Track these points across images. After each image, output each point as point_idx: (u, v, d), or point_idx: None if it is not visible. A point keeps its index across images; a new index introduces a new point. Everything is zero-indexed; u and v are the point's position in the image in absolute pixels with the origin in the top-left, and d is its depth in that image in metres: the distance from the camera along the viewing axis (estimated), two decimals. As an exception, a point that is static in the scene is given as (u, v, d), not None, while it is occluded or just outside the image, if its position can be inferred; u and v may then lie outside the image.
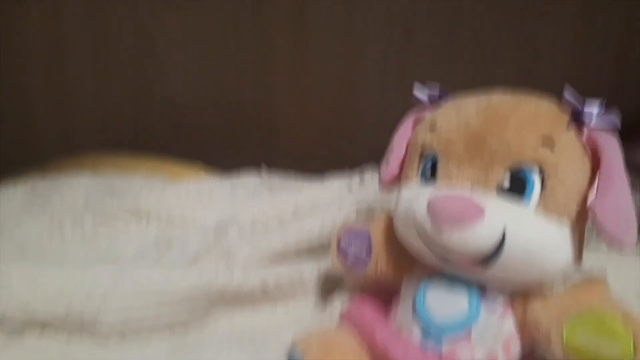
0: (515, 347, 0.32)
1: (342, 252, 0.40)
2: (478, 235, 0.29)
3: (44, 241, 0.50)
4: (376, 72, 0.72)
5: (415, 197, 0.32)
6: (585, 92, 0.32)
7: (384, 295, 0.37)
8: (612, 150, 0.30)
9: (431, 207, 0.30)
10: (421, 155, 0.34)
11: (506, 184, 0.30)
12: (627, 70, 0.70)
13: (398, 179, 0.37)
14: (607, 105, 0.31)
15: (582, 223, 0.31)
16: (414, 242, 0.33)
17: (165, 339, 0.41)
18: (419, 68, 0.67)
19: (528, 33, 0.69)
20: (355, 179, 0.57)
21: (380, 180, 0.39)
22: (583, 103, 0.30)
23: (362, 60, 0.73)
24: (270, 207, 0.52)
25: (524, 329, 0.31)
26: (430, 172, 0.33)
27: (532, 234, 0.29)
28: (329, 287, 0.45)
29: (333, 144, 0.76)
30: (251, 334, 0.42)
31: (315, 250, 0.48)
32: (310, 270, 0.45)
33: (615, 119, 0.30)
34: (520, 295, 0.31)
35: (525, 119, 0.30)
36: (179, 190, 0.56)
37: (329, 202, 0.52)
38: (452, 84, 0.38)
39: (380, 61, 0.72)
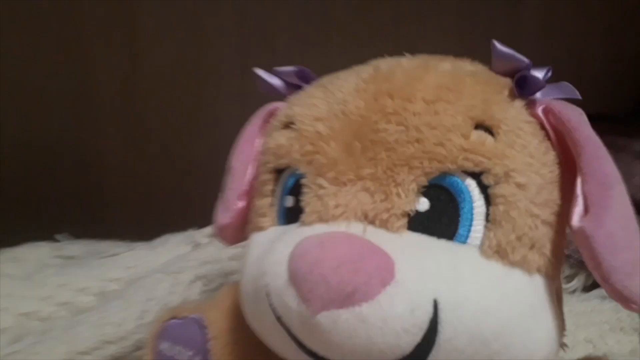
0: None
1: (162, 360, 0.28)
2: (387, 315, 0.17)
3: None
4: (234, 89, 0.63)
5: (269, 250, 0.20)
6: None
7: None
8: (590, 131, 0.20)
9: (293, 267, 0.18)
10: (275, 173, 0.22)
11: (422, 205, 0.19)
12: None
13: (245, 221, 0.25)
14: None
15: (559, 263, 0.20)
16: (273, 335, 0.20)
17: None
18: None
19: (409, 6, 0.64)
20: (201, 234, 0.42)
21: (217, 227, 0.26)
22: (526, 61, 0.20)
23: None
24: (55, 291, 0.34)
25: None
26: (293, 200, 0.21)
27: (487, 299, 0.18)
28: None
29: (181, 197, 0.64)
30: None
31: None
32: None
33: (569, 86, 0.21)
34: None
35: (442, 86, 0.20)
36: None
37: (156, 272, 0.35)
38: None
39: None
